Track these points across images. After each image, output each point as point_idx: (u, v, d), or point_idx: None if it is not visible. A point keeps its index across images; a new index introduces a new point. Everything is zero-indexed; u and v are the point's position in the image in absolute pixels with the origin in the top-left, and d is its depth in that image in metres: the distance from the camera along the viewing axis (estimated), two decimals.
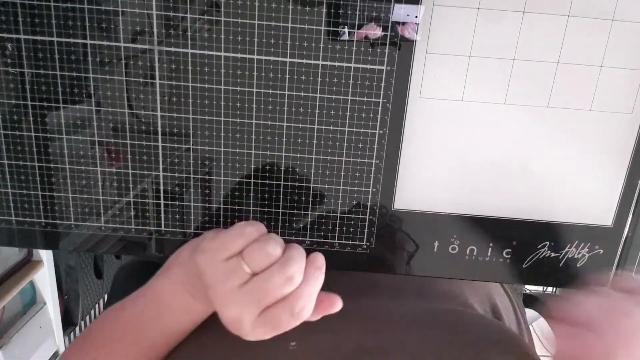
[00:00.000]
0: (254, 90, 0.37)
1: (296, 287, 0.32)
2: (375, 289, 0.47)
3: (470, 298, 0.49)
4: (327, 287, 0.46)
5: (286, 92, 0.37)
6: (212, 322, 0.40)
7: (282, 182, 0.40)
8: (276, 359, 0.36)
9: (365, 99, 0.38)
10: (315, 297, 0.33)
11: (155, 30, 0.36)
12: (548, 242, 0.42)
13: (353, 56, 0.37)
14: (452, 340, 0.39)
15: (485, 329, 0.42)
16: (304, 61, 0.37)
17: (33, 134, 0.38)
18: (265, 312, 0.32)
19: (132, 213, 0.41)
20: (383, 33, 0.36)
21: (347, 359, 0.36)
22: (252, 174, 0.40)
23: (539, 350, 0.46)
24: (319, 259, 0.34)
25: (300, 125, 0.38)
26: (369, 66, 0.37)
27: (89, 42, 0.36)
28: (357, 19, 0.36)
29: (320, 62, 0.37)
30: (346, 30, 0.36)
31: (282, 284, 0.32)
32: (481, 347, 0.38)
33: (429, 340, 0.39)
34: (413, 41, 0.37)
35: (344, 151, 0.39)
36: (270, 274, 0.32)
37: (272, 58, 0.37)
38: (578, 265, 0.42)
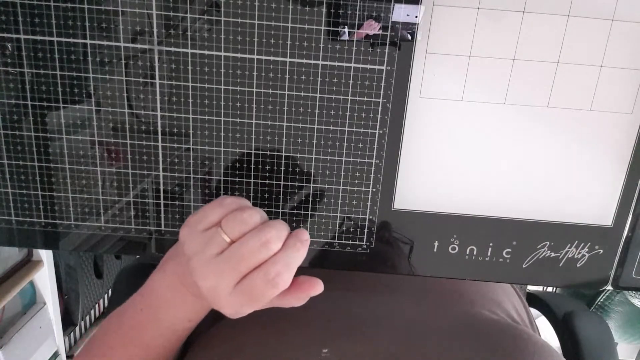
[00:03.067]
0: (254, 90, 0.37)
1: (273, 254, 0.32)
2: (395, 290, 0.47)
3: (495, 297, 0.49)
4: (343, 290, 0.46)
5: (286, 92, 0.37)
6: (245, 327, 0.40)
7: (282, 182, 0.40)
8: None
9: (365, 99, 0.38)
10: (294, 267, 0.32)
11: (155, 30, 0.36)
12: (548, 242, 0.42)
13: (353, 56, 0.37)
14: (485, 351, 0.39)
15: (520, 340, 0.41)
16: (304, 61, 0.37)
17: (33, 134, 0.38)
18: (241, 281, 0.31)
19: (132, 213, 0.41)
20: (382, 32, 0.36)
21: None
22: (252, 173, 0.40)
23: None
24: (303, 233, 0.33)
25: (300, 125, 0.38)
26: (369, 66, 0.37)
27: (89, 42, 0.36)
28: (357, 19, 0.36)
29: (320, 62, 0.37)
30: (346, 30, 0.36)
31: (257, 249, 0.31)
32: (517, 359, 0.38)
33: (461, 352, 0.38)
34: (413, 41, 0.37)
35: (344, 151, 0.39)
36: (246, 239, 0.32)
37: (272, 58, 0.37)
38: (578, 265, 0.42)
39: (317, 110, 0.38)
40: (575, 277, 0.43)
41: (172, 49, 0.36)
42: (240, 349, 0.38)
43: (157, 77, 0.37)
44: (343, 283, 0.48)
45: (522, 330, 0.43)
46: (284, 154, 0.39)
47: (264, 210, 0.40)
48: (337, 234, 0.41)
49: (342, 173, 0.40)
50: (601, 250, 0.42)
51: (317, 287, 0.34)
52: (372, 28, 0.36)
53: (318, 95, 0.38)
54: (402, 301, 0.45)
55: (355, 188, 0.40)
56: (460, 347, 0.39)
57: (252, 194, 0.40)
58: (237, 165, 0.39)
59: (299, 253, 0.32)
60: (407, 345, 0.38)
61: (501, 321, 0.45)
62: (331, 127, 0.38)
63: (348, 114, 0.38)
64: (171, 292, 0.37)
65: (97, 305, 1.19)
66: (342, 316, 0.42)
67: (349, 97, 0.38)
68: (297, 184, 0.40)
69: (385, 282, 0.48)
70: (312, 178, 0.40)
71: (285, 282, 0.31)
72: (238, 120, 0.38)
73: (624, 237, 0.42)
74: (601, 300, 1.10)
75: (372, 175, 0.40)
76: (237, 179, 0.40)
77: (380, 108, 0.38)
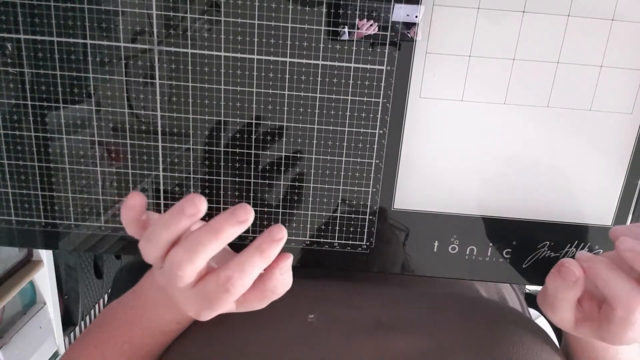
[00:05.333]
0: (254, 90, 0.37)
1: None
2: (387, 278, 0.48)
3: (480, 289, 0.50)
4: (338, 274, 0.46)
5: (286, 92, 0.37)
6: None
7: (282, 182, 0.40)
8: (294, 330, 0.37)
9: (365, 99, 0.38)
10: (251, 272, 0.29)
11: (155, 30, 0.36)
12: (548, 242, 0.42)
13: (353, 56, 0.37)
14: (469, 318, 0.39)
15: (501, 310, 0.42)
16: (304, 61, 0.37)
17: (33, 134, 0.38)
18: (198, 283, 0.30)
19: None
20: (379, 32, 0.36)
21: (364, 332, 0.37)
22: (252, 173, 0.40)
23: None
24: (277, 232, 0.29)
25: (300, 125, 0.38)
26: (369, 66, 0.37)
27: (89, 42, 0.36)
28: (357, 19, 0.36)
29: (320, 62, 0.37)
30: (346, 30, 0.36)
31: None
32: (498, 325, 0.38)
33: (446, 317, 0.39)
34: (413, 41, 0.37)
35: (344, 151, 0.39)
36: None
37: (272, 58, 0.37)
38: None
39: (317, 110, 0.38)
40: None
41: (172, 49, 0.36)
42: (226, 316, 0.38)
43: (157, 77, 0.37)
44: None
45: (507, 306, 0.43)
46: (284, 153, 0.39)
47: (263, 210, 0.40)
48: (337, 234, 0.41)
49: (342, 173, 0.40)
50: (601, 250, 0.42)
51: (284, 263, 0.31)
52: (365, 27, 0.36)
53: (318, 95, 0.38)
54: (385, 283, 0.46)
55: (355, 188, 0.40)
56: (445, 314, 0.39)
57: (251, 194, 0.40)
58: (237, 165, 0.39)
59: (263, 255, 0.29)
60: (391, 311, 0.39)
61: (488, 297, 0.46)
62: (331, 127, 0.38)
63: (348, 114, 0.38)
64: (158, 292, 0.36)
65: (97, 305, 1.19)
66: (330, 285, 0.43)
67: (349, 97, 0.38)
68: (297, 184, 0.40)
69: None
70: (312, 178, 0.40)
71: (238, 287, 0.29)
72: (238, 120, 0.38)
73: None
74: None
75: (372, 175, 0.40)
76: (237, 179, 0.40)
77: (380, 108, 0.38)
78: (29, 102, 0.38)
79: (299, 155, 0.39)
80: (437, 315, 0.39)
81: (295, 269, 0.42)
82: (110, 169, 0.39)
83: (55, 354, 0.95)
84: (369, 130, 0.39)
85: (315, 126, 0.38)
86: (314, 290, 0.42)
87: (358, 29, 0.36)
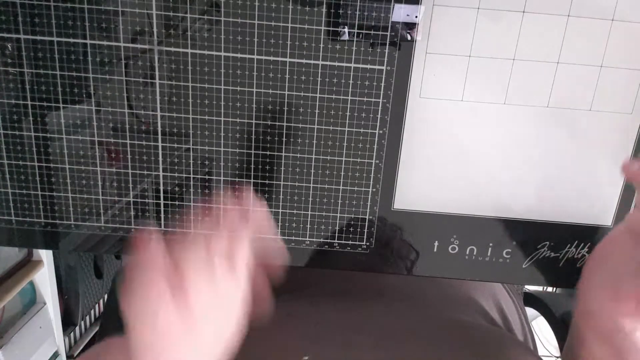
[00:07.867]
0: (254, 90, 0.37)
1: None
2: (382, 294, 0.47)
3: (480, 301, 0.49)
4: (331, 293, 0.46)
5: (286, 92, 0.37)
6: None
7: (282, 182, 0.40)
8: None
9: (365, 99, 0.38)
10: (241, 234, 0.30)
11: (155, 30, 0.36)
12: (548, 242, 0.42)
13: (353, 56, 0.37)
14: (467, 357, 0.38)
15: (505, 344, 0.41)
16: (304, 61, 0.37)
17: (33, 134, 0.38)
18: None
19: (132, 213, 0.41)
20: (382, 32, 0.36)
21: None
22: (252, 174, 0.40)
23: (539, 349, 0.46)
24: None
25: (300, 125, 0.38)
26: (369, 66, 0.37)
27: (89, 42, 0.36)
28: (357, 19, 0.36)
29: (320, 62, 0.37)
30: (346, 30, 0.36)
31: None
32: None
33: (441, 357, 0.38)
34: (413, 41, 0.37)
35: (344, 151, 0.39)
36: None
37: (272, 58, 0.37)
38: (578, 265, 0.42)
39: (317, 110, 0.38)
40: (575, 277, 0.43)
41: (172, 49, 0.36)
42: None
43: (157, 77, 0.37)
44: (329, 288, 0.48)
45: (504, 334, 0.42)
46: (284, 154, 0.39)
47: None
48: (337, 234, 0.41)
49: (342, 173, 0.40)
50: None
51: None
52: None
53: (318, 95, 0.38)
54: (383, 306, 0.45)
55: (355, 188, 0.40)
56: (440, 352, 0.39)
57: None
58: (237, 165, 0.39)
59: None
60: (386, 350, 0.38)
61: (483, 326, 0.45)
62: (331, 127, 0.38)
63: (348, 114, 0.38)
64: None
65: (97, 305, 1.19)
66: (324, 322, 0.42)
67: (349, 97, 0.38)
68: (297, 183, 0.40)
69: (368, 288, 0.48)
70: (312, 178, 0.40)
71: (238, 254, 0.30)
72: (238, 120, 0.38)
73: None
74: None
75: (372, 175, 0.40)
76: (236, 179, 0.40)
77: (380, 108, 0.38)
78: (29, 102, 0.38)
79: (298, 155, 0.39)
80: (430, 355, 0.38)
81: (288, 289, 0.41)
82: (110, 169, 0.39)
83: (55, 354, 0.95)
84: (369, 130, 0.39)
85: (315, 126, 0.38)
86: (305, 326, 0.41)
87: (359, 28, 0.36)
